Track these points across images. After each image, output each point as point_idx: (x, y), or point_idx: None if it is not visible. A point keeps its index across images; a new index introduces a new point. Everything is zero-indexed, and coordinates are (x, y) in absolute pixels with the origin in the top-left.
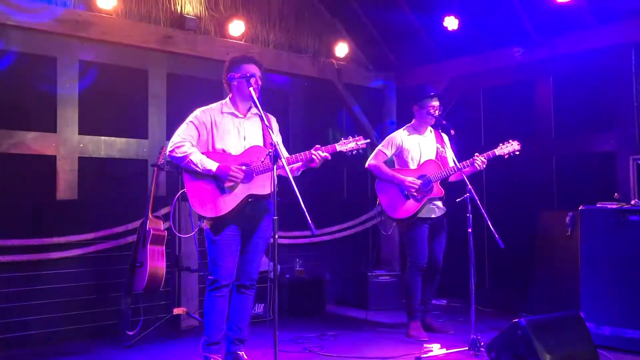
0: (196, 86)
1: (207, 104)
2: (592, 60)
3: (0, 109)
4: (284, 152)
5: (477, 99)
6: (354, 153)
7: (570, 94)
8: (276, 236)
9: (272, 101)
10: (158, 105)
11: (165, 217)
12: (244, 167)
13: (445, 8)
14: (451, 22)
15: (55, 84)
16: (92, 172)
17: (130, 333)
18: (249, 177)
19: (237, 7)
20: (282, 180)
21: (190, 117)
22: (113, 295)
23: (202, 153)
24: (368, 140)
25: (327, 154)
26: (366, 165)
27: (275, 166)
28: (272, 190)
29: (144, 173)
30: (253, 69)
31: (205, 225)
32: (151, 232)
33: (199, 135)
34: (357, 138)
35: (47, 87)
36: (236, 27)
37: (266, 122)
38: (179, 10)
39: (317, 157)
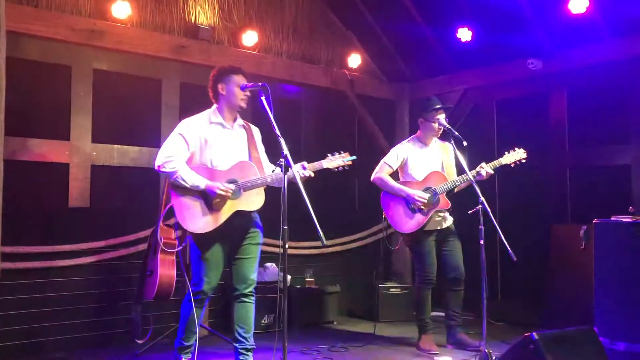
0: (209, 96)
1: None
2: (607, 72)
3: (15, 116)
4: (266, 164)
5: (490, 111)
6: (339, 169)
7: (585, 106)
8: (286, 246)
9: (285, 111)
10: (171, 114)
11: (177, 226)
12: (232, 185)
13: (458, 20)
14: (464, 34)
15: (70, 92)
16: (104, 180)
17: (140, 342)
18: (236, 193)
19: (250, 17)
20: (291, 189)
21: (179, 129)
22: (123, 303)
23: (191, 168)
24: (354, 157)
25: (311, 173)
26: (371, 178)
27: (285, 177)
28: (283, 199)
29: (156, 182)
30: (243, 80)
31: (191, 238)
32: (162, 240)
33: (188, 148)
34: (343, 155)
35: (61, 96)
36: (249, 38)
37: (276, 133)
38: (192, 20)
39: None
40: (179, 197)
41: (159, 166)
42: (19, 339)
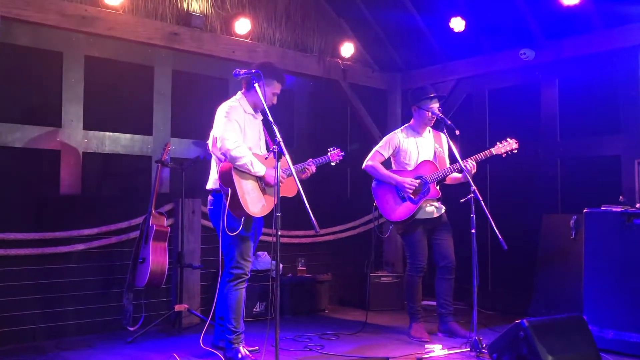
0: (201, 84)
1: (212, 102)
2: (599, 63)
3: (6, 103)
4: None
5: (482, 100)
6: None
7: (576, 96)
8: (279, 233)
9: (277, 100)
10: (163, 102)
11: (169, 214)
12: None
13: (451, 9)
14: (457, 24)
15: (61, 79)
16: (96, 167)
17: (132, 329)
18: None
19: (243, 5)
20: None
21: (232, 115)
22: (115, 290)
23: None
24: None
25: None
26: (363, 166)
27: (278, 163)
28: (275, 187)
29: (148, 169)
30: (279, 88)
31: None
32: (154, 228)
33: (241, 133)
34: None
35: (53, 82)
36: (242, 25)
37: (270, 120)
38: (185, 8)
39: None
40: (241, 182)
41: (228, 149)
42: (11, 326)
